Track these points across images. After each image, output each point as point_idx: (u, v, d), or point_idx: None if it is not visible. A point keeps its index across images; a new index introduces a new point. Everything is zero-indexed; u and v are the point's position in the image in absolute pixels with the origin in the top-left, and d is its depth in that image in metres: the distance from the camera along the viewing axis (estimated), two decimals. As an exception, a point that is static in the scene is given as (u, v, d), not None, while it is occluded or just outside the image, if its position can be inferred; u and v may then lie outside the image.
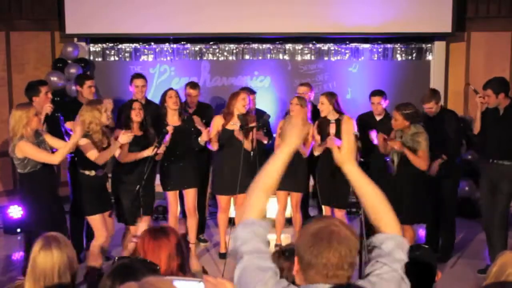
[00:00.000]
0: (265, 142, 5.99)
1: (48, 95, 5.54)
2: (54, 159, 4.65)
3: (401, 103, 5.29)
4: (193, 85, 6.43)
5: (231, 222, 5.87)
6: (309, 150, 5.71)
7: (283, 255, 2.58)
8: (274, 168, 2.01)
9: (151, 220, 5.55)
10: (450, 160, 5.67)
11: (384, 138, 5.25)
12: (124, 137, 4.84)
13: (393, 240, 1.91)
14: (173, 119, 5.64)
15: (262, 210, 1.97)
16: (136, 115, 5.20)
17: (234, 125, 5.65)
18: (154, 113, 5.93)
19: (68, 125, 5.04)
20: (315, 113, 5.96)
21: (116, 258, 2.69)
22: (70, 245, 2.72)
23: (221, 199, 5.83)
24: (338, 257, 1.76)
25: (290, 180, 5.70)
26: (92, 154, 4.84)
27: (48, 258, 2.62)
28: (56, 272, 2.61)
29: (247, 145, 5.59)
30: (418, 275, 2.66)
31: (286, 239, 6.21)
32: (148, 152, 5.09)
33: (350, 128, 2.11)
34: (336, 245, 1.77)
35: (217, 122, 5.74)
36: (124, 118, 5.23)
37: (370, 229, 5.68)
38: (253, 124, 5.62)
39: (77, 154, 5.02)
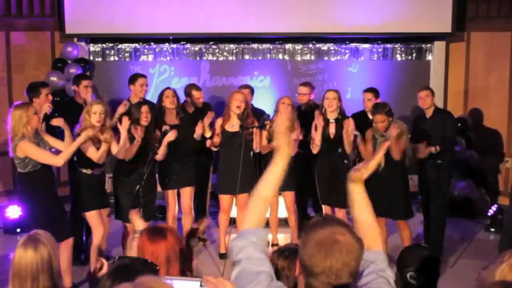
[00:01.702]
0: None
1: (48, 97, 5.56)
2: (57, 161, 4.64)
3: (376, 107, 5.38)
4: (197, 87, 6.42)
5: (231, 222, 5.88)
6: (295, 149, 5.70)
7: (283, 254, 2.58)
8: (270, 180, 2.04)
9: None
10: (444, 159, 5.68)
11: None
12: (125, 122, 4.91)
13: (382, 256, 2.02)
14: (171, 118, 5.65)
15: (260, 219, 2.01)
16: (144, 119, 5.21)
17: (233, 126, 5.66)
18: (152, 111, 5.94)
19: (54, 122, 5.03)
20: (309, 112, 5.98)
21: (116, 258, 2.69)
22: (52, 246, 2.69)
23: (223, 198, 5.82)
24: (341, 265, 1.77)
25: None
26: (92, 154, 4.87)
27: (22, 257, 2.61)
28: (29, 273, 2.59)
29: (255, 145, 5.59)
30: (425, 275, 2.72)
31: (284, 239, 6.21)
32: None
33: (381, 151, 2.19)
34: (338, 254, 1.77)
35: (217, 123, 5.77)
36: (132, 120, 5.24)
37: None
38: (254, 124, 5.63)
39: (75, 153, 5.03)
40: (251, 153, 5.49)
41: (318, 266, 1.77)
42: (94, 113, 4.91)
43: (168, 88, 5.78)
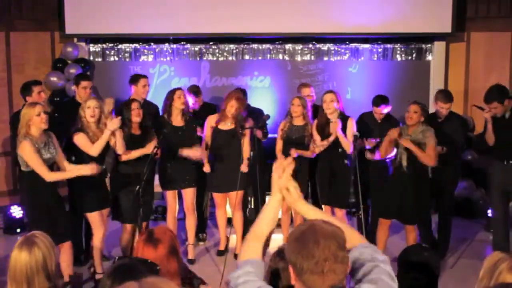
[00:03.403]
0: (263, 139, 6.22)
1: (41, 95, 5.53)
2: (45, 176, 4.52)
3: (415, 100, 5.33)
4: (196, 93, 6.44)
5: (230, 222, 5.88)
6: (314, 153, 5.72)
7: (279, 255, 2.57)
8: (265, 220, 2.14)
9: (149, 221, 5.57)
10: (452, 163, 5.69)
11: (398, 134, 5.22)
12: (112, 123, 4.86)
13: (368, 248, 2.00)
14: (176, 119, 5.64)
15: (256, 252, 2.07)
16: (136, 116, 5.21)
17: (227, 125, 5.67)
18: (153, 113, 5.93)
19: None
20: (315, 112, 5.97)
21: (117, 258, 2.69)
22: (47, 247, 2.67)
23: (217, 196, 5.89)
24: (328, 251, 1.77)
25: None
26: (85, 147, 4.87)
27: (17, 260, 2.62)
28: (24, 276, 2.59)
29: (246, 146, 5.63)
30: (424, 275, 2.72)
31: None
32: (146, 150, 5.10)
33: (289, 168, 2.21)
34: (323, 241, 1.78)
35: (210, 121, 5.78)
36: (123, 118, 5.23)
37: (371, 228, 5.68)
38: (252, 125, 5.65)
39: (73, 152, 5.01)
40: (251, 153, 5.50)
41: (307, 259, 1.77)
42: (88, 108, 4.90)
43: (180, 88, 5.73)
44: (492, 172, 5.69)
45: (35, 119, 4.49)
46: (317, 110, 5.96)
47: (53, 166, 4.71)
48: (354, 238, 2.02)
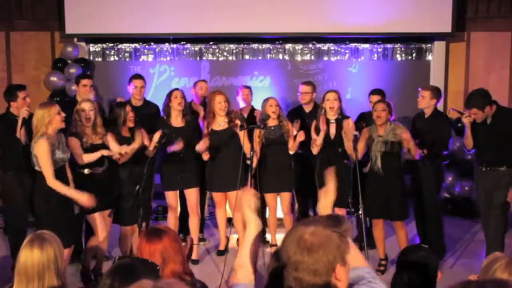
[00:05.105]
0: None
1: (26, 100, 5.39)
2: (49, 182, 4.49)
3: (379, 100, 5.58)
4: (203, 80, 6.52)
5: (230, 222, 5.88)
6: (296, 146, 5.69)
7: (274, 256, 2.58)
8: (246, 250, 2.25)
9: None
10: (432, 160, 5.68)
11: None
12: (122, 148, 4.92)
13: (367, 270, 2.05)
14: (176, 120, 5.63)
15: (247, 277, 2.17)
16: (130, 120, 5.19)
17: (220, 125, 5.66)
18: (153, 113, 5.92)
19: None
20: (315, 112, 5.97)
21: (117, 258, 2.69)
22: (57, 245, 2.68)
23: (216, 196, 5.89)
24: (299, 261, 1.81)
25: (277, 181, 5.74)
26: (76, 154, 4.84)
27: (28, 256, 2.62)
28: (36, 271, 2.60)
29: (247, 145, 5.61)
30: (421, 275, 2.71)
31: (281, 239, 6.19)
32: (137, 144, 5.09)
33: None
34: (297, 250, 1.82)
35: (205, 125, 5.75)
36: (117, 121, 5.17)
37: (369, 228, 5.69)
38: (252, 125, 5.66)
39: (72, 154, 4.99)
40: (251, 153, 5.50)
41: (284, 256, 1.85)
42: (83, 111, 4.88)
43: (177, 89, 5.71)
44: (475, 176, 5.69)
45: (57, 118, 4.49)
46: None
47: (65, 166, 4.70)
48: (355, 259, 2.05)
